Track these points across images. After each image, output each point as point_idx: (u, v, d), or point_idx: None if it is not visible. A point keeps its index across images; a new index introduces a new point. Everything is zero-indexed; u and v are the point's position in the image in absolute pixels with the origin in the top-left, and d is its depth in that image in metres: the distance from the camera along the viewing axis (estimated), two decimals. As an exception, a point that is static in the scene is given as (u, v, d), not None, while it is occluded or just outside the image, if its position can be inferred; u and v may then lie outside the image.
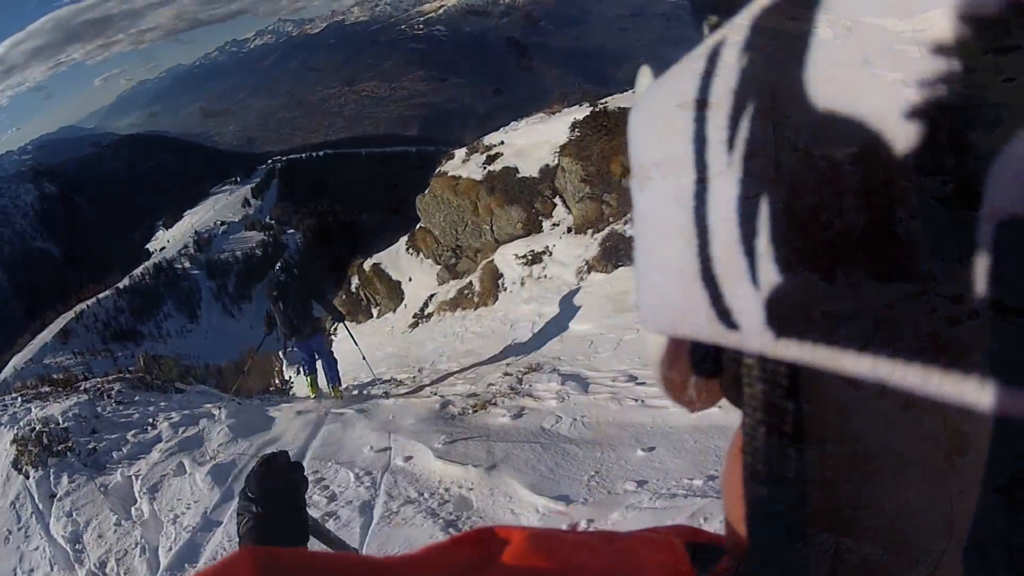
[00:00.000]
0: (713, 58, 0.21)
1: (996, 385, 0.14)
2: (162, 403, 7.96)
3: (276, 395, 10.33)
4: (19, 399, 8.84)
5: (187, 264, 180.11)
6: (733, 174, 0.20)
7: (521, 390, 6.16)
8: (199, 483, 5.12)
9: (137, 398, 8.19)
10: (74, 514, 5.20)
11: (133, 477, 5.55)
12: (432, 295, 15.48)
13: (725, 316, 0.21)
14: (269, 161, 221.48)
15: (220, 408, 7.14)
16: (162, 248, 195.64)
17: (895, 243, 0.16)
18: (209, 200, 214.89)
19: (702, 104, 0.22)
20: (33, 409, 8.15)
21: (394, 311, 18.10)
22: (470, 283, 12.97)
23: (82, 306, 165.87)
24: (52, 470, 5.93)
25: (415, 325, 14.60)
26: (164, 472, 5.49)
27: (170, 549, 4.38)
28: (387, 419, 6.00)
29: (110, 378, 9.21)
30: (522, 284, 11.35)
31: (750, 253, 0.19)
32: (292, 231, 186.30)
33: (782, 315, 0.18)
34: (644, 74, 0.29)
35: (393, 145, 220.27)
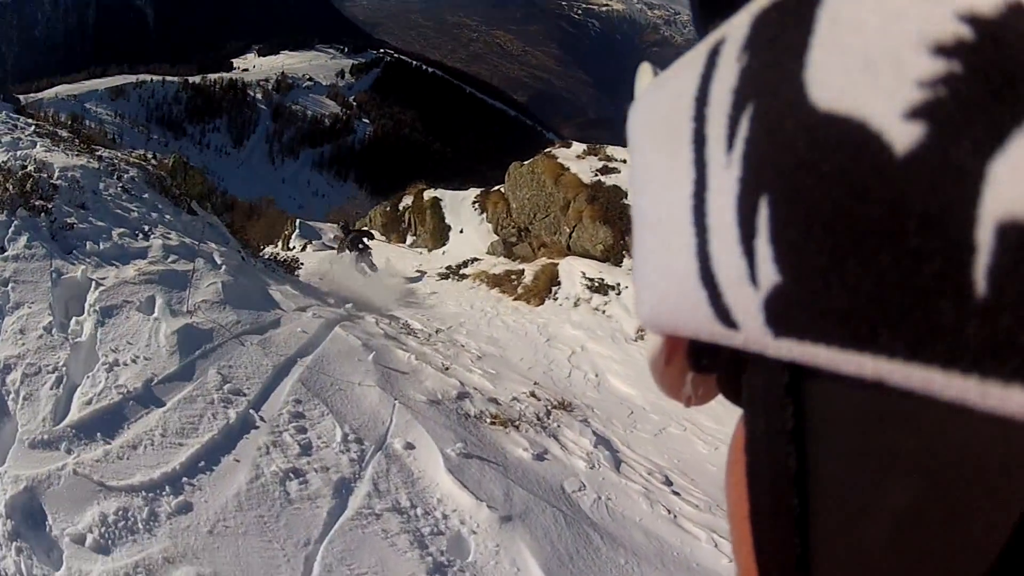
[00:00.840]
0: (713, 57, 0.21)
1: (996, 385, 0.14)
2: (167, 215, 6.91)
3: (281, 268, 9.30)
4: (33, 127, 7.82)
5: (259, 95, 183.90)
6: (732, 173, 0.20)
7: (548, 427, 5.26)
8: (160, 338, 4.03)
9: (146, 195, 7.14)
10: (9, 285, 4.11)
11: (94, 282, 4.47)
12: (475, 259, 14.41)
13: (724, 315, 0.21)
14: (381, 50, 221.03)
15: (222, 256, 6.10)
16: (245, 70, 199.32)
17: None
18: (310, 52, 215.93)
19: (702, 103, 0.22)
20: (38, 146, 7.13)
21: (429, 250, 17.06)
22: (522, 271, 11.87)
23: (145, 77, 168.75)
24: (15, 222, 4.85)
25: (445, 277, 13.54)
26: (129, 298, 4.43)
27: (89, 402, 3.29)
28: (394, 377, 4.93)
29: (131, 157, 8.17)
30: (575, 305, 10.30)
31: (749, 252, 0.19)
32: (367, 122, 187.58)
33: (781, 314, 0.19)
34: (644, 72, 0.29)
35: (498, 99, 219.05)
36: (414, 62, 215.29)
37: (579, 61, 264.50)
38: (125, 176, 7.17)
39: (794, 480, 0.22)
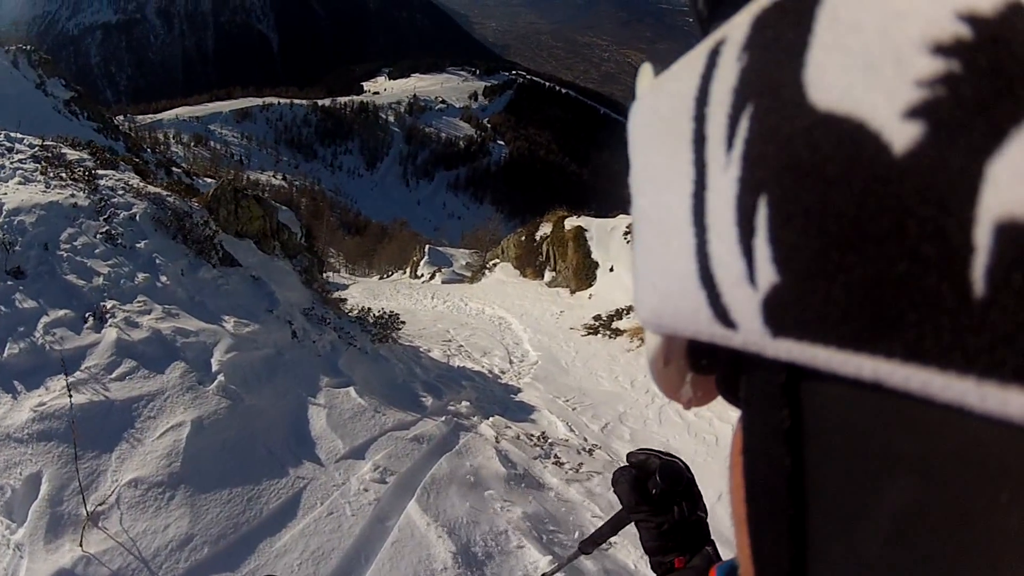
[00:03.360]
0: (713, 57, 0.21)
1: (994, 386, 0.15)
2: (166, 274, 4.69)
3: (374, 329, 7.11)
4: (34, 150, 5.80)
5: (391, 118, 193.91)
6: (732, 173, 0.20)
7: None
8: None
9: (144, 242, 4.93)
10: None
11: None
12: (632, 308, 11.55)
13: (723, 315, 0.21)
14: (513, 72, 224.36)
15: (249, 336, 4.22)
16: (375, 93, 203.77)
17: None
18: (442, 75, 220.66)
19: (702, 103, 0.22)
20: (15, 177, 5.06)
21: (572, 291, 14.40)
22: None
23: (273, 99, 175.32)
24: None
25: (594, 331, 10.86)
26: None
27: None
28: None
29: (151, 186, 5.93)
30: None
31: (748, 252, 0.19)
32: (502, 143, 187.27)
33: (779, 314, 0.19)
34: (644, 73, 0.29)
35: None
36: (547, 83, 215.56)
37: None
38: (120, 216, 4.96)
39: (790, 482, 0.22)
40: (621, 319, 11.07)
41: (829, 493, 0.20)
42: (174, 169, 14.78)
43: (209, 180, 16.26)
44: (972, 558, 0.16)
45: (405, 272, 28.03)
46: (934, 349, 0.15)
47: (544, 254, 16.45)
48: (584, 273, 14.36)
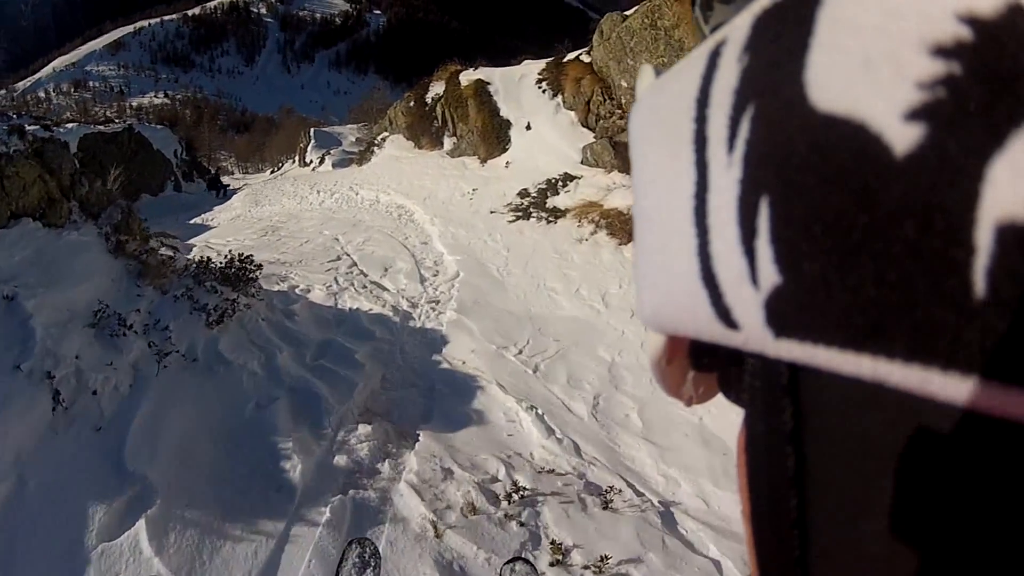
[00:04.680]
0: (713, 58, 0.22)
1: (995, 386, 0.15)
2: None
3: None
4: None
5: (263, 11, 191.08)
6: (733, 174, 0.20)
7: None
8: None
9: None
10: None
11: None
12: (570, 176, 9.08)
13: (725, 315, 0.21)
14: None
15: None
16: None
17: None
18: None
19: (702, 104, 0.22)
20: None
21: (482, 161, 11.63)
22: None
23: (143, 23, 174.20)
24: None
25: (524, 214, 8.29)
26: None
27: None
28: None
29: None
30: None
31: (750, 253, 0.20)
32: (378, 12, 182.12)
33: (781, 315, 0.19)
34: (645, 74, 0.29)
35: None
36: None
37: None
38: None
39: (792, 480, 0.22)
40: (557, 193, 8.54)
41: (830, 491, 0.20)
42: (28, 128, 11.83)
43: (71, 126, 15.29)
44: (973, 556, 0.17)
45: (295, 161, 26.45)
46: (935, 349, 0.15)
47: (440, 118, 13.54)
48: (494, 136, 11.70)
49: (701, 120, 0.22)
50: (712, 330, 0.22)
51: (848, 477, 0.20)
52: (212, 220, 12.44)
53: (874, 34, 0.16)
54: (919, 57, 0.15)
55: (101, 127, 17.26)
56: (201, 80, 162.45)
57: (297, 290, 5.73)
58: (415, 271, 6.97)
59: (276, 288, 5.58)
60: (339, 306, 5.59)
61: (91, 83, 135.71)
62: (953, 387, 0.15)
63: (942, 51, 0.15)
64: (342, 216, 10.18)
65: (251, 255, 5.32)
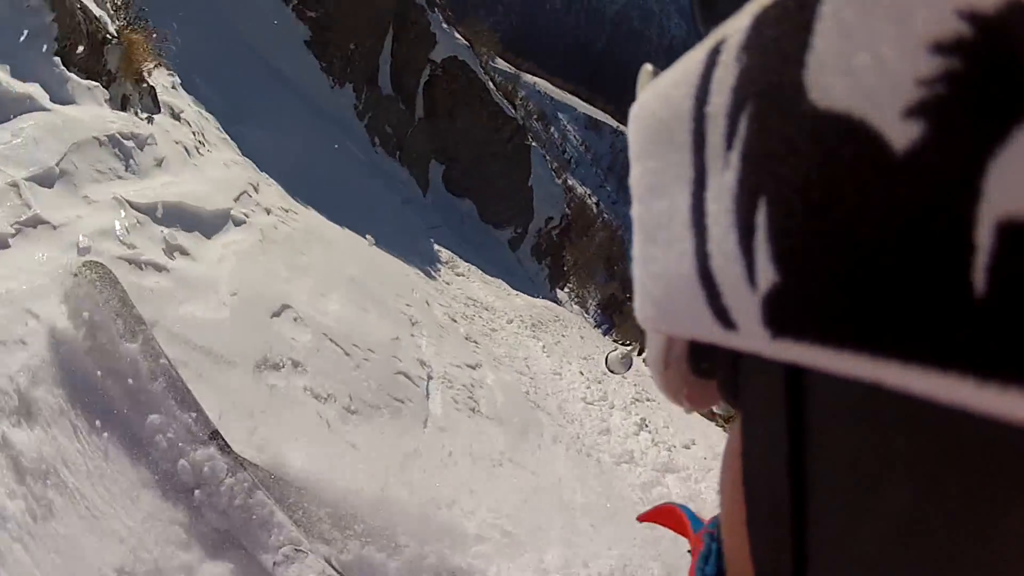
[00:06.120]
0: (713, 57, 0.21)
1: (995, 387, 0.15)
2: None
3: None
4: None
5: None
6: (731, 173, 0.20)
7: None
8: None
9: None
10: None
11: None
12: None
13: (722, 315, 0.21)
14: None
15: None
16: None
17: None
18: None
19: (701, 103, 0.22)
20: None
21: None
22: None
23: None
24: None
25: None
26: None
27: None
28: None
29: None
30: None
31: (748, 252, 0.19)
32: None
33: (779, 314, 0.19)
34: (645, 73, 0.30)
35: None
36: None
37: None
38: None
39: (791, 483, 0.21)
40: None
41: (830, 494, 0.20)
42: None
43: None
44: (972, 557, 0.16)
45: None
46: (934, 349, 0.15)
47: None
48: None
49: (699, 119, 0.22)
50: (710, 331, 0.22)
51: (847, 479, 0.19)
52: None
53: (874, 32, 0.16)
54: (920, 55, 0.15)
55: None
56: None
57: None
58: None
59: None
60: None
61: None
62: (952, 388, 0.15)
63: (942, 48, 0.15)
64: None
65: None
